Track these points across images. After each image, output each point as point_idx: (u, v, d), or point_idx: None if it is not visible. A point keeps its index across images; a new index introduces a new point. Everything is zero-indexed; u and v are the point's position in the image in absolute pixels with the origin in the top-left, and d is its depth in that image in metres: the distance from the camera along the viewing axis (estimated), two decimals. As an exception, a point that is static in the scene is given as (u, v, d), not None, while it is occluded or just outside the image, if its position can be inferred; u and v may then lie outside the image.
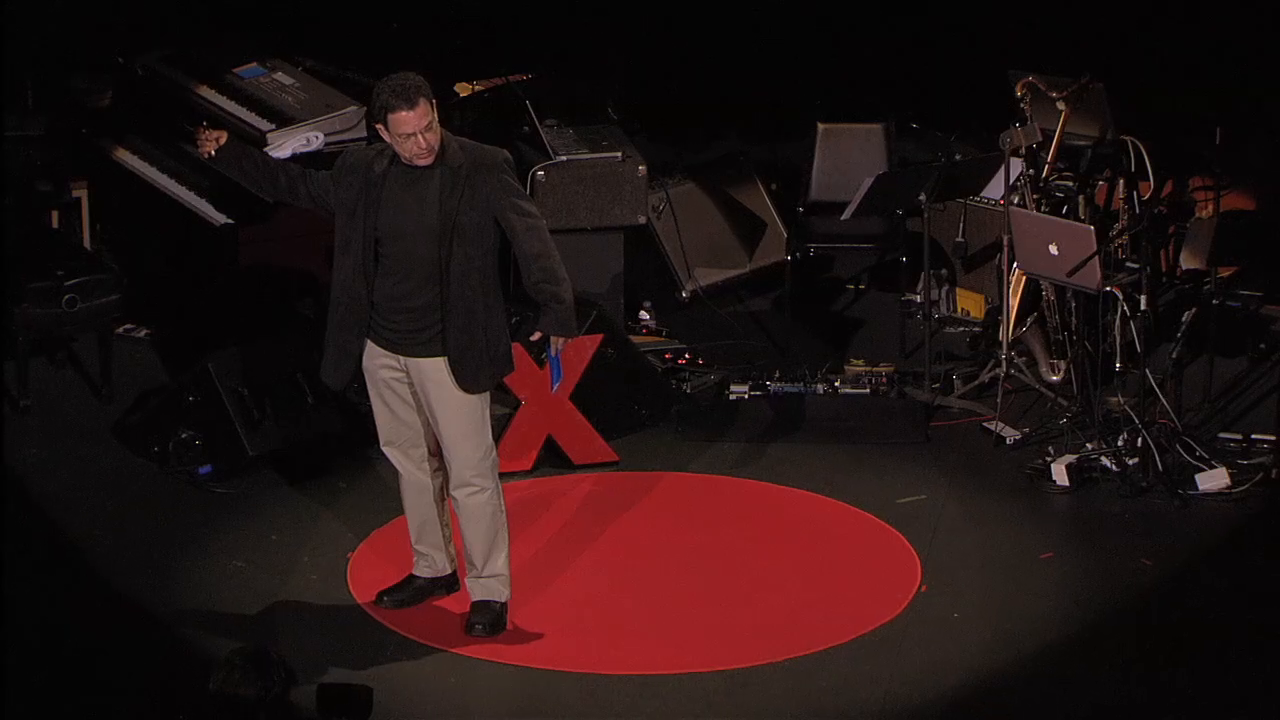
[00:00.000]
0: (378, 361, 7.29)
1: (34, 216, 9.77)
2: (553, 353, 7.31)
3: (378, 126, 7.12)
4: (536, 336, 7.36)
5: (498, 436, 8.25)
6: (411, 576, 7.64)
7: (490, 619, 7.39)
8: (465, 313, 7.14)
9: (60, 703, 7.02)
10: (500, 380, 7.44)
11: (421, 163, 7.09)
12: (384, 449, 7.46)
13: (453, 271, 7.11)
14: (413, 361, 7.23)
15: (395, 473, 7.51)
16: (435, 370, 7.20)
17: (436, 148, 7.07)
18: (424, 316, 7.16)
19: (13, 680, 6.97)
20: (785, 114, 10.60)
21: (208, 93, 9.89)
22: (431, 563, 7.60)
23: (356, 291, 7.18)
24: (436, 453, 7.41)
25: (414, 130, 7.03)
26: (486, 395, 7.28)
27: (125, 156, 9.99)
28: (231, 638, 7.19)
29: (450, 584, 7.64)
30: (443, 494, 7.48)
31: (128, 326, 9.72)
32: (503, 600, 7.42)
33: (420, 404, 7.31)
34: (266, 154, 7.58)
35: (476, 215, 7.11)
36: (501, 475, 7.47)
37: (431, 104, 7.05)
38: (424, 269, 7.12)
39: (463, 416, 7.22)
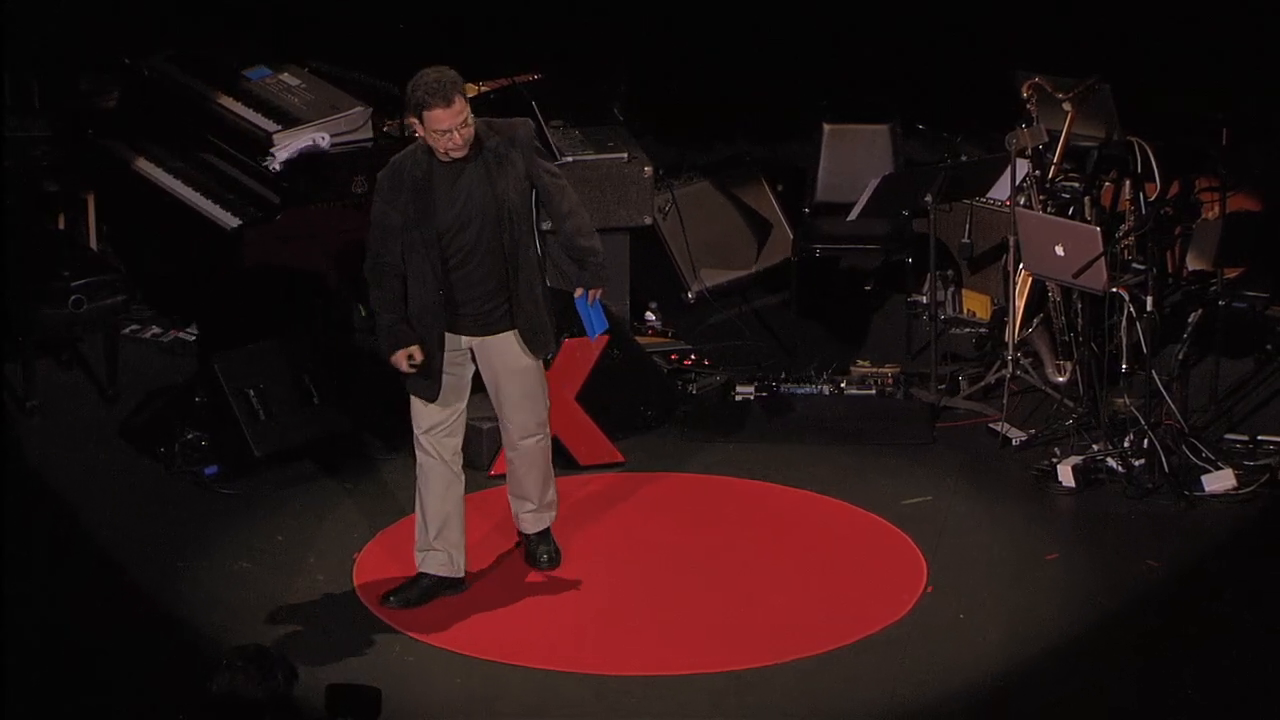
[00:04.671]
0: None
1: (40, 218, 9.78)
2: (590, 303, 7.60)
3: (411, 120, 7.24)
4: (579, 293, 7.58)
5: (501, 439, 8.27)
6: (420, 575, 7.65)
7: (551, 549, 7.84)
8: (529, 287, 7.42)
9: (63, 703, 7.02)
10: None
11: (457, 155, 7.25)
12: (422, 438, 7.53)
13: (513, 249, 7.36)
14: (478, 340, 7.46)
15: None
16: (503, 343, 7.47)
17: (469, 142, 7.24)
18: (492, 299, 7.42)
19: (15, 680, 6.98)
20: (791, 115, 10.59)
21: (214, 94, 9.89)
22: (449, 560, 7.63)
23: (433, 300, 7.37)
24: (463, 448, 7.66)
25: (450, 127, 7.18)
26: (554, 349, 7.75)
27: (132, 158, 10.00)
28: (237, 639, 7.19)
29: (456, 586, 7.67)
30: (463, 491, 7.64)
31: (134, 327, 9.72)
32: (553, 521, 7.84)
33: (466, 389, 7.52)
34: (386, 281, 7.45)
35: (523, 189, 7.36)
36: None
37: (466, 98, 7.20)
38: (488, 254, 7.36)
39: (532, 378, 7.58)
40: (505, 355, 7.50)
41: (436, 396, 7.47)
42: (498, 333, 7.45)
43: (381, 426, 8.96)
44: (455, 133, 7.19)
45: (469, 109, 7.21)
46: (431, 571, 7.63)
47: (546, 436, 7.73)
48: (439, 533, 7.60)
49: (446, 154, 7.24)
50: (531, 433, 7.66)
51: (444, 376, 7.47)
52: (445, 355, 7.45)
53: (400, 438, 8.87)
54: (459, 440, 7.58)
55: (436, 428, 7.52)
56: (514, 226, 7.35)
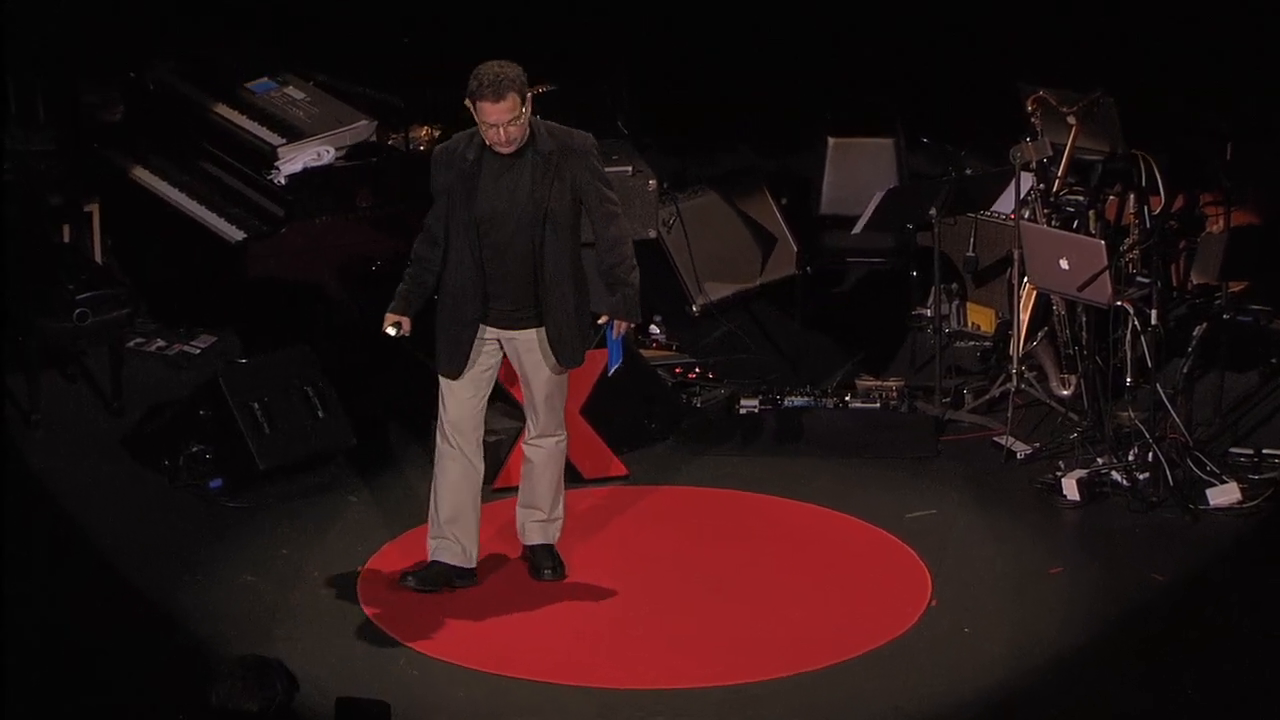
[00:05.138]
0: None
1: (45, 230, 9.78)
2: (614, 335, 7.68)
3: (467, 103, 7.35)
4: (603, 319, 7.65)
5: (507, 452, 8.27)
6: (434, 562, 7.74)
7: (555, 562, 7.85)
8: (560, 294, 7.49)
9: (66, 712, 7.01)
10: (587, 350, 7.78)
11: (502, 151, 7.37)
12: (448, 431, 7.62)
13: (546, 255, 7.44)
14: (507, 334, 7.55)
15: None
16: (530, 342, 7.55)
17: (519, 141, 7.36)
18: (521, 301, 7.49)
19: (20, 692, 6.97)
20: (796, 128, 10.60)
21: (219, 107, 9.90)
22: (462, 550, 7.72)
23: (465, 281, 7.48)
24: (495, 409, 7.82)
25: (495, 123, 7.30)
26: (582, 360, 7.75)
27: (137, 171, 10.00)
28: (241, 651, 7.18)
29: (468, 577, 7.75)
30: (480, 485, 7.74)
31: (138, 340, 9.73)
32: (557, 540, 7.87)
33: (492, 377, 7.62)
34: (419, 268, 7.62)
35: (567, 200, 7.43)
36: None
37: (522, 99, 7.30)
38: (520, 253, 7.44)
39: (556, 382, 7.66)
40: (532, 354, 7.59)
41: (459, 374, 7.56)
42: (526, 329, 7.55)
43: (386, 440, 8.97)
44: (501, 129, 7.31)
45: (523, 110, 7.31)
46: (444, 560, 7.70)
47: (564, 439, 7.80)
48: (452, 519, 7.67)
49: (492, 145, 7.37)
50: (551, 433, 7.75)
51: (471, 364, 7.55)
52: (475, 342, 7.54)
53: (404, 452, 8.90)
54: (480, 433, 7.67)
55: (460, 425, 7.61)
56: (551, 233, 7.42)
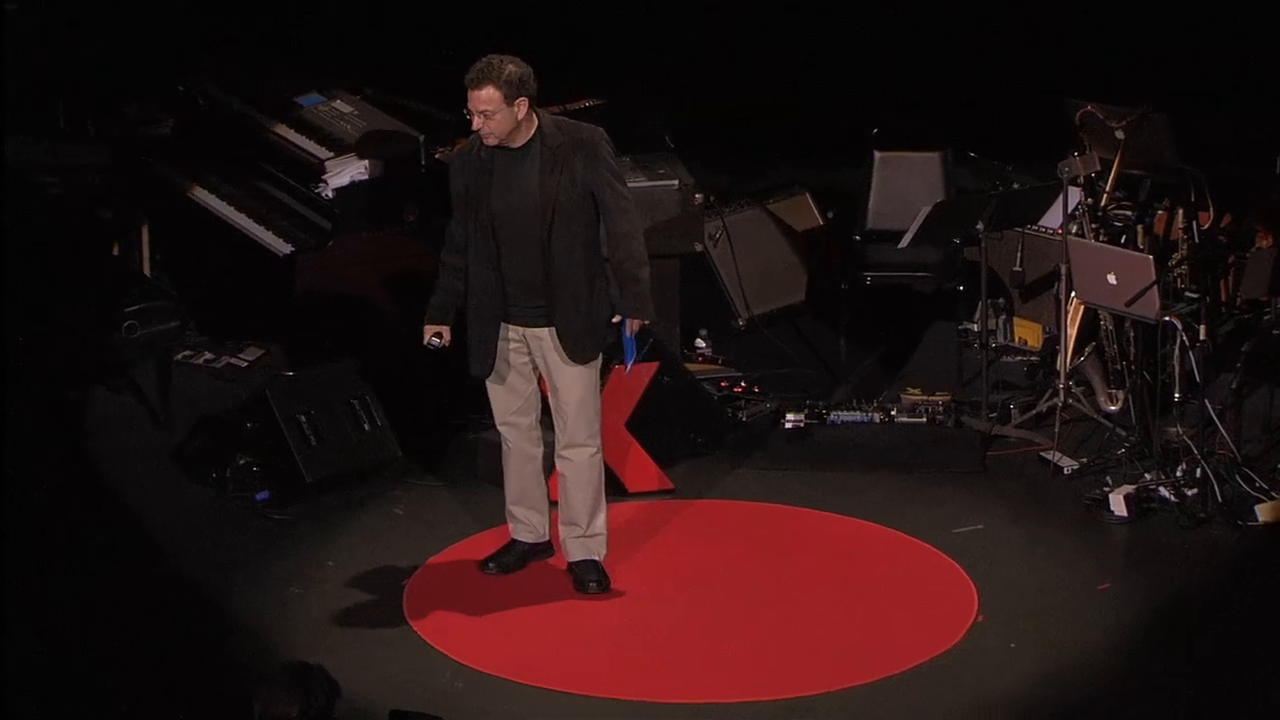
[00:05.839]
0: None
1: (94, 244, 9.83)
2: (628, 334, 7.69)
3: None
4: (616, 319, 7.67)
5: (549, 471, 8.28)
6: (513, 542, 7.97)
7: (599, 575, 7.84)
8: (569, 288, 7.53)
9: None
10: (603, 348, 7.76)
11: (489, 143, 7.47)
12: (499, 424, 7.79)
13: (555, 248, 7.49)
14: (530, 331, 7.62)
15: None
16: (547, 341, 7.63)
17: (497, 135, 7.45)
18: (534, 295, 7.55)
19: (68, 702, 7.01)
20: (842, 142, 10.59)
21: (267, 120, 9.94)
22: (532, 528, 7.93)
23: (487, 279, 7.59)
24: (541, 423, 7.82)
25: (474, 110, 7.43)
26: (597, 361, 7.70)
27: (185, 184, 10.05)
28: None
29: (544, 550, 7.98)
30: (544, 466, 7.86)
31: (186, 353, 9.77)
32: (602, 556, 7.86)
33: (532, 373, 7.71)
34: (448, 276, 7.75)
35: (575, 192, 7.49)
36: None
37: (507, 97, 7.39)
38: (531, 247, 7.51)
39: (579, 384, 7.65)
40: (550, 354, 7.64)
41: (487, 373, 7.68)
42: (545, 326, 7.61)
43: (432, 453, 8.98)
44: (478, 117, 7.43)
45: (506, 108, 7.39)
46: (519, 538, 7.95)
47: (599, 452, 7.80)
48: (516, 502, 7.92)
49: (481, 135, 7.47)
50: (580, 443, 7.73)
51: (503, 363, 7.65)
52: (502, 343, 7.63)
53: (449, 464, 8.92)
54: (532, 419, 7.80)
55: (507, 418, 7.76)
56: (559, 227, 7.48)
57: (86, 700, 7.11)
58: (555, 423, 7.79)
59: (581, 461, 7.76)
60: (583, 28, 10.23)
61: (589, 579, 7.86)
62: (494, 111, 7.40)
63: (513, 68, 7.43)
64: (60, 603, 7.71)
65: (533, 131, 7.50)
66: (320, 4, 10.50)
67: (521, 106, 7.42)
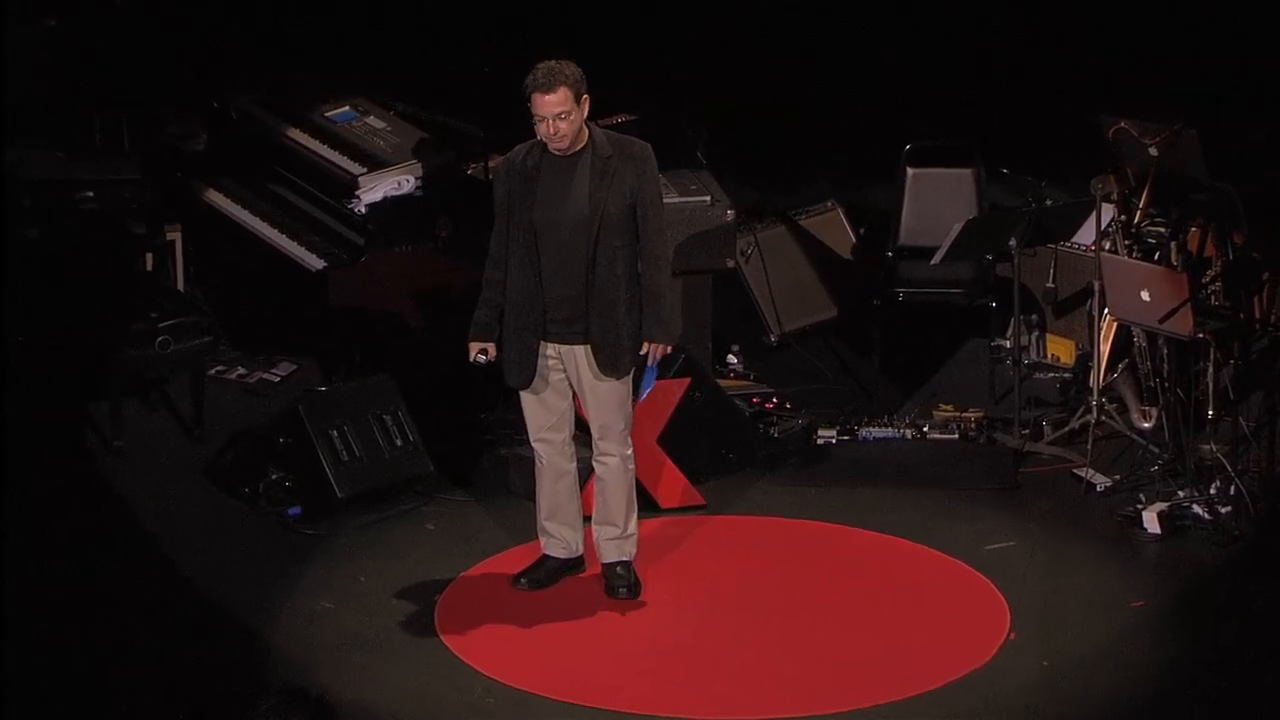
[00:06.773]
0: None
1: (128, 259, 9.87)
2: (650, 362, 7.72)
3: (528, 103, 7.52)
4: (644, 351, 7.68)
5: (585, 481, 8.28)
6: (545, 557, 7.97)
7: (631, 580, 7.89)
8: (608, 300, 7.54)
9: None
10: (636, 364, 7.76)
11: (554, 147, 7.48)
12: (534, 443, 7.82)
13: (599, 260, 7.52)
14: (566, 348, 7.64)
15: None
16: (582, 357, 7.65)
17: (570, 137, 7.46)
18: (576, 304, 7.56)
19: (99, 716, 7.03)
20: (874, 158, 10.58)
21: (301, 136, 9.97)
22: (565, 543, 7.94)
23: (529, 289, 7.59)
24: (575, 439, 7.85)
25: (546, 115, 7.42)
26: (629, 375, 7.71)
27: (219, 199, 10.09)
28: (318, 678, 7.23)
29: (577, 565, 7.99)
30: (578, 480, 7.89)
31: (219, 368, 9.79)
32: (633, 557, 7.89)
33: (567, 389, 7.72)
34: (490, 292, 7.75)
35: (624, 205, 7.51)
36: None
37: (576, 97, 7.42)
38: (575, 258, 7.53)
39: (613, 398, 7.69)
40: (583, 369, 7.65)
41: (525, 384, 7.69)
42: (581, 343, 7.62)
43: (464, 469, 8.99)
44: (550, 121, 7.42)
45: (576, 109, 7.42)
46: (551, 554, 7.96)
47: (630, 460, 7.84)
48: (549, 518, 7.92)
49: (545, 140, 7.47)
50: (613, 452, 7.79)
51: (539, 379, 7.67)
52: (540, 359, 7.64)
53: (481, 481, 8.93)
54: (567, 434, 7.81)
55: (541, 434, 7.79)
56: (604, 238, 7.51)
57: (117, 713, 7.11)
58: (592, 429, 7.81)
59: (616, 464, 7.80)
60: (615, 43, 10.23)
61: (620, 584, 7.88)
62: (568, 112, 7.42)
63: (574, 67, 7.49)
64: (91, 615, 7.72)
65: (585, 140, 7.52)
66: (351, 20, 10.52)
67: (586, 105, 7.48)
